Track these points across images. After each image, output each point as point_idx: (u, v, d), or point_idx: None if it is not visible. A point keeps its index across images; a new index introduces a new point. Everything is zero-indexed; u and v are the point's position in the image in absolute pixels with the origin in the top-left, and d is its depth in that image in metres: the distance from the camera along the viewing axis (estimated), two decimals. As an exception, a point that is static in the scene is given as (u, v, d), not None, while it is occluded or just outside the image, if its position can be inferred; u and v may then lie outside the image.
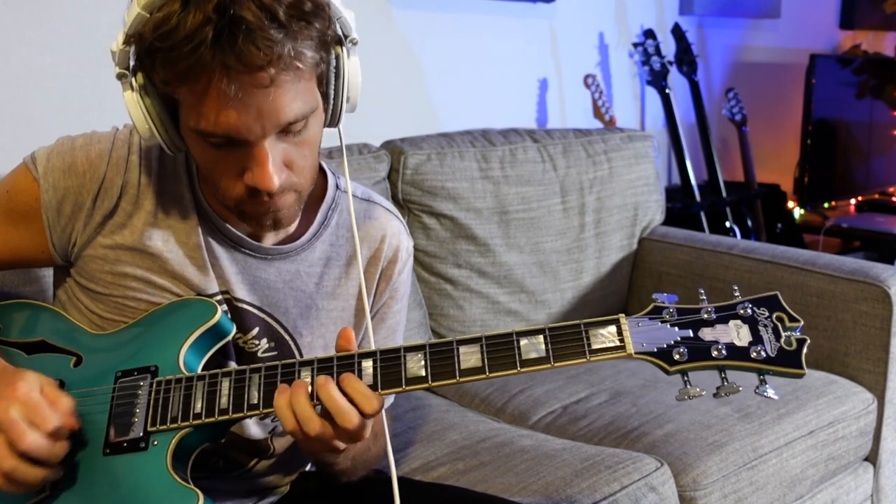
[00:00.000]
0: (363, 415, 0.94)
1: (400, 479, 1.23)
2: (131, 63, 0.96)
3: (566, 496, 1.41)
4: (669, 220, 2.46)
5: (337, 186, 1.20)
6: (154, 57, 0.91)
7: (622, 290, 2.33)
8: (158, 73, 0.92)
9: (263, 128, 0.94)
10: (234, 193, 0.99)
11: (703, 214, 2.85)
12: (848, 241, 3.43)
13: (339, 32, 1.00)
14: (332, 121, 1.06)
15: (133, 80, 0.96)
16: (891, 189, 3.65)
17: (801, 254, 2.09)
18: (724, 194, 2.97)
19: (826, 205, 3.46)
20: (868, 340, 1.93)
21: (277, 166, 0.97)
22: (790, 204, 3.36)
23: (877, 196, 3.61)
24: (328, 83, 1.02)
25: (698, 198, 2.87)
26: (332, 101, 1.03)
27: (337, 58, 1.01)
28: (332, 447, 0.96)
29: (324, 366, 0.98)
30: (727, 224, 2.98)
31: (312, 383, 0.96)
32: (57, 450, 0.94)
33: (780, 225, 3.28)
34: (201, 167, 1.02)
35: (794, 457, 1.71)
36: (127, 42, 0.94)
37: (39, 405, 0.93)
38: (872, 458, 1.96)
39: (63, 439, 0.95)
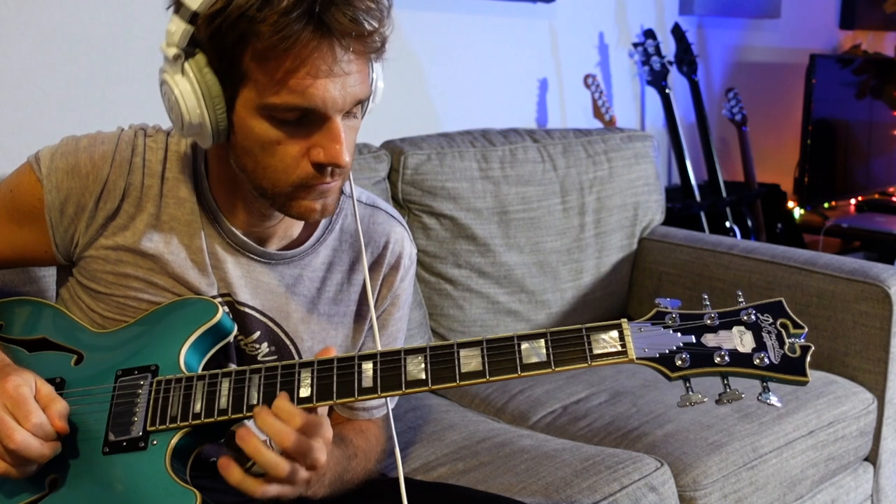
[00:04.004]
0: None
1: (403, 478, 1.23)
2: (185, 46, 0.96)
3: (566, 496, 1.41)
4: (669, 220, 2.46)
5: (341, 191, 1.20)
6: (241, 33, 0.92)
7: (622, 290, 2.33)
8: (243, 50, 0.93)
9: (345, 101, 0.96)
10: (293, 175, 0.99)
11: (703, 214, 2.84)
12: (848, 241, 3.43)
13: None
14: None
15: (186, 63, 0.96)
16: (891, 189, 3.65)
17: (801, 254, 2.09)
18: (724, 194, 2.97)
19: (826, 205, 3.46)
20: (868, 340, 1.93)
21: (347, 143, 0.98)
22: (790, 204, 3.36)
23: (877, 196, 3.61)
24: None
25: (698, 198, 2.87)
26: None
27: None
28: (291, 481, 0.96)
29: (324, 367, 0.98)
30: (727, 224, 2.98)
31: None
32: (46, 450, 0.94)
33: (780, 225, 3.28)
34: (254, 150, 1.00)
35: (794, 457, 1.71)
36: (191, 22, 0.94)
37: (25, 401, 0.93)
38: (872, 458, 1.96)
39: (49, 440, 0.95)
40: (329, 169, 0.99)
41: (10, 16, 1.75)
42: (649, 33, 2.81)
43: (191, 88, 0.96)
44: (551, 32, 2.73)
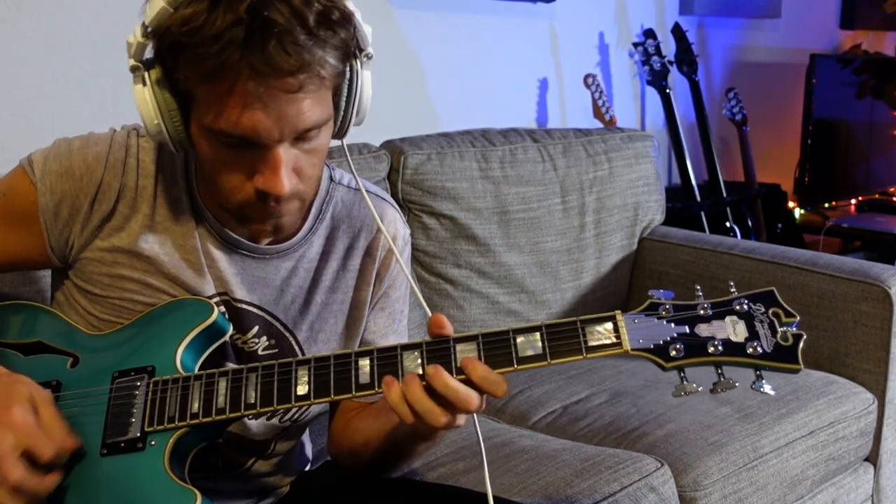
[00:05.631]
0: (493, 395, 0.93)
1: (400, 479, 1.23)
2: (146, 57, 0.97)
3: (566, 496, 1.41)
4: (669, 220, 2.46)
5: (331, 178, 1.20)
6: (177, 53, 0.91)
7: (622, 291, 2.33)
8: (181, 70, 0.92)
9: (282, 132, 0.94)
10: (239, 196, 0.99)
11: (703, 214, 2.84)
12: (848, 241, 3.42)
13: (358, 45, 1.00)
14: (340, 133, 1.06)
15: (146, 74, 0.96)
16: (891, 189, 3.65)
17: (802, 254, 2.09)
18: (724, 194, 2.97)
19: (826, 205, 3.46)
20: (868, 340, 1.93)
21: (289, 172, 0.97)
22: (790, 204, 3.36)
23: (877, 196, 3.61)
24: (341, 94, 1.02)
25: (698, 198, 2.86)
26: (342, 113, 1.03)
27: (351, 70, 1.01)
28: (451, 427, 0.95)
29: (320, 364, 0.98)
30: (727, 224, 2.98)
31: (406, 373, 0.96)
32: (47, 482, 0.93)
33: (780, 225, 3.28)
34: (206, 167, 1.01)
35: (794, 457, 1.71)
36: (146, 35, 0.94)
37: (35, 435, 0.92)
38: (873, 458, 1.96)
39: (59, 466, 0.94)
40: (271, 196, 0.97)
41: (10, 16, 1.75)
42: (649, 33, 2.81)
43: (148, 99, 0.97)
44: (551, 32, 2.73)
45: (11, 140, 1.76)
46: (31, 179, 1.07)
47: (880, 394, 1.93)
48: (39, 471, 0.92)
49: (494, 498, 1.27)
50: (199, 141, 0.99)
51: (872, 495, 1.98)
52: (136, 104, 0.98)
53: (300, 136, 0.96)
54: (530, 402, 1.85)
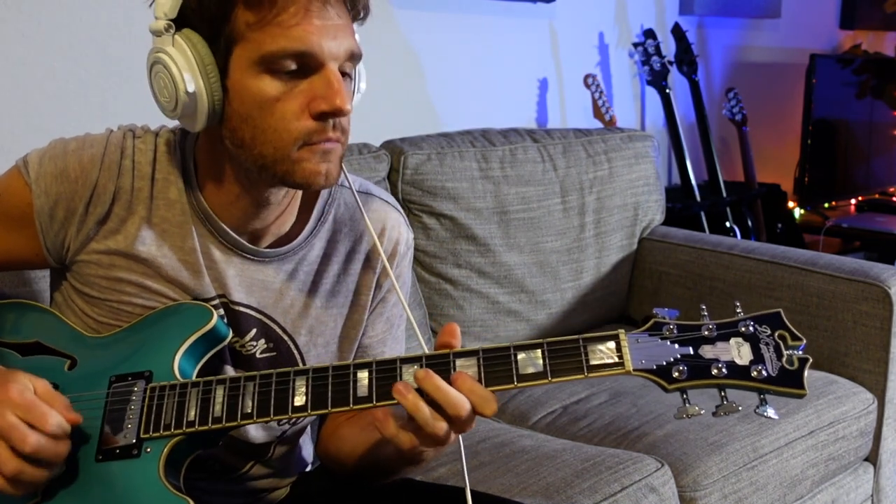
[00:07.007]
0: (481, 412, 0.93)
1: (399, 480, 1.23)
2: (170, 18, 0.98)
3: (566, 496, 1.41)
4: (669, 220, 2.46)
5: (342, 164, 1.19)
6: None
7: (622, 291, 2.33)
8: (232, 10, 0.95)
9: (339, 48, 0.98)
10: (296, 132, 0.98)
11: (703, 214, 2.84)
12: (848, 241, 3.43)
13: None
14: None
15: (177, 35, 0.98)
16: (891, 189, 3.65)
17: (802, 254, 2.09)
18: (724, 194, 2.97)
19: (826, 205, 3.46)
20: (868, 340, 1.93)
21: (345, 91, 0.99)
22: (790, 204, 3.36)
23: (877, 196, 3.61)
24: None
25: (698, 198, 2.86)
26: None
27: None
28: (441, 441, 0.95)
29: (318, 375, 0.97)
30: (727, 224, 2.98)
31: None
32: (60, 448, 0.93)
33: (780, 225, 3.28)
34: (253, 115, 0.99)
35: (794, 457, 1.71)
36: None
37: (36, 405, 0.92)
38: (873, 458, 1.96)
39: (65, 437, 0.94)
40: (331, 122, 0.98)
41: (10, 16, 1.75)
42: (649, 33, 2.81)
43: (184, 59, 0.97)
44: (551, 32, 2.73)
45: (11, 140, 1.76)
46: (26, 181, 1.07)
47: (880, 394, 1.93)
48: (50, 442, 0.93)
49: (498, 497, 1.28)
50: (245, 83, 0.98)
51: (872, 495, 1.99)
52: (161, 73, 0.99)
53: (344, 70, 1.00)
54: (530, 402, 1.85)
